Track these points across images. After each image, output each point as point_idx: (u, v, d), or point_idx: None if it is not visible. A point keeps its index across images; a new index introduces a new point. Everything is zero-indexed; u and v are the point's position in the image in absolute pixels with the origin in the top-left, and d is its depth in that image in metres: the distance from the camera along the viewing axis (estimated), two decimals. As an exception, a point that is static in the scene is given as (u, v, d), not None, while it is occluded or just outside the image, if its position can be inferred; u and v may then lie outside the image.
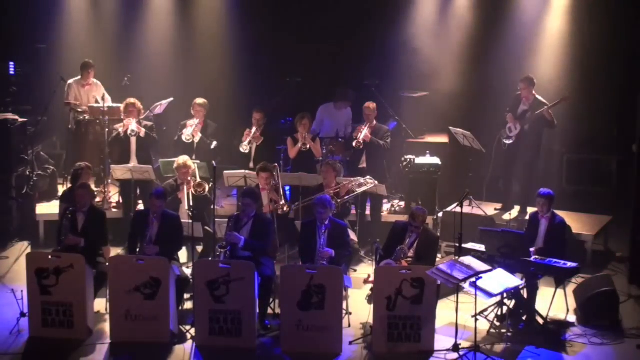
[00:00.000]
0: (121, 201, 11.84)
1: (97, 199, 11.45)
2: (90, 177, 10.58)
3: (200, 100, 12.05)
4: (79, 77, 12.55)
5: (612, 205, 12.20)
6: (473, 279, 8.51)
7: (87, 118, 12.25)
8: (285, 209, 10.45)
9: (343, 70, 13.66)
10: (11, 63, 13.37)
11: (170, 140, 12.28)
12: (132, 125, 11.49)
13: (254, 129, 11.81)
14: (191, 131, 11.84)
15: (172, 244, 9.43)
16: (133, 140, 11.58)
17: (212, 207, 10.42)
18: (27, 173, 11.98)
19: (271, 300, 9.40)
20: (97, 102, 12.10)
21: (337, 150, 12.15)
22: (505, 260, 9.30)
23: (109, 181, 12.02)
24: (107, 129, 11.86)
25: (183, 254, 10.22)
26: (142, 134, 11.58)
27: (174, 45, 13.86)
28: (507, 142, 11.77)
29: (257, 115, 11.88)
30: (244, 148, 11.74)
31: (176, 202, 10.47)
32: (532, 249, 9.54)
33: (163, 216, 9.46)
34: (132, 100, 11.69)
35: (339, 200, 10.54)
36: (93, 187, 10.68)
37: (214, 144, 11.91)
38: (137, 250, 9.38)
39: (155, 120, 12.23)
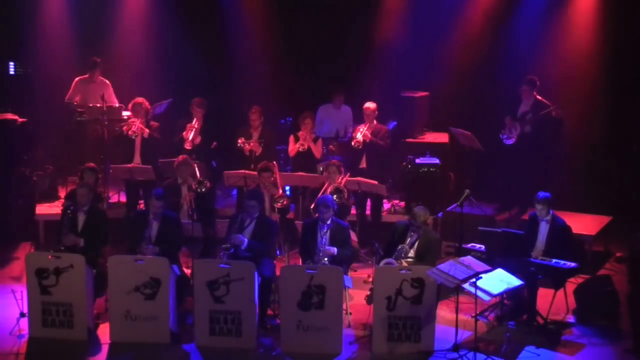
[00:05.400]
0: (123, 201, 11.84)
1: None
2: (94, 177, 10.55)
3: (197, 100, 12.02)
4: (87, 75, 12.51)
5: (612, 205, 12.19)
6: (473, 279, 8.51)
7: (87, 118, 12.23)
8: (284, 202, 10.47)
9: (343, 70, 13.65)
10: (11, 63, 13.35)
11: (170, 141, 12.23)
12: (134, 126, 11.47)
13: (253, 137, 11.73)
14: (192, 136, 11.74)
15: (172, 244, 9.42)
16: (138, 140, 11.56)
17: (213, 206, 10.42)
18: (27, 173, 11.97)
19: (271, 300, 9.40)
20: (103, 100, 12.05)
21: (337, 150, 12.16)
22: (505, 260, 9.30)
23: (109, 181, 12.01)
24: (106, 129, 11.85)
25: (182, 255, 10.20)
26: (146, 135, 11.57)
27: (174, 45, 13.84)
28: (508, 142, 11.76)
29: (253, 115, 11.86)
30: (241, 144, 11.69)
31: (177, 203, 10.45)
32: (533, 253, 9.55)
33: (163, 216, 9.46)
34: (139, 100, 11.68)
35: (344, 194, 10.56)
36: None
37: (214, 144, 11.89)
38: (137, 250, 9.36)
39: (154, 121, 12.21)
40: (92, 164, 10.75)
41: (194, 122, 11.89)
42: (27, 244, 11.46)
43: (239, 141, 11.65)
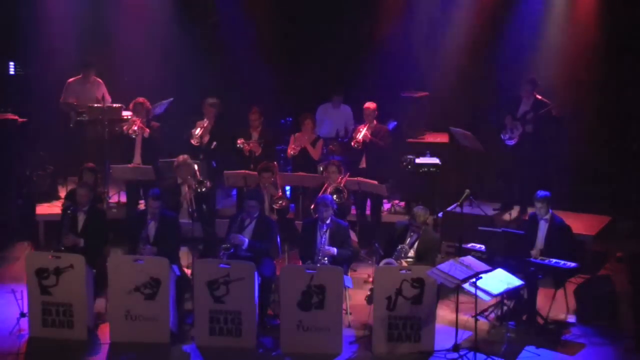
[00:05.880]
0: (124, 201, 11.83)
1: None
2: (93, 178, 10.56)
3: (210, 100, 11.90)
4: (80, 75, 12.49)
5: (612, 205, 12.19)
6: (473, 279, 8.51)
7: (87, 118, 12.22)
8: (283, 203, 10.46)
9: (343, 70, 13.65)
10: (11, 63, 13.35)
11: (173, 140, 12.19)
12: (134, 125, 11.43)
13: (252, 137, 11.71)
14: (199, 132, 11.73)
15: (171, 244, 9.41)
16: (139, 139, 11.53)
17: (213, 206, 10.39)
18: (27, 173, 11.97)
19: (271, 300, 9.39)
20: (98, 101, 12.05)
21: (337, 150, 12.15)
22: (505, 260, 9.30)
23: (109, 181, 12.00)
24: (106, 129, 11.84)
25: (183, 254, 10.20)
26: (146, 135, 11.54)
27: (175, 45, 13.84)
28: (510, 142, 11.76)
29: (253, 116, 11.82)
30: (241, 143, 11.65)
31: (177, 203, 10.45)
32: (532, 252, 9.55)
33: (161, 216, 9.45)
34: (140, 99, 11.63)
35: (344, 195, 10.56)
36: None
37: (214, 144, 11.87)
38: (136, 251, 9.36)
39: (155, 120, 12.19)
40: (91, 164, 10.75)
41: (204, 121, 11.85)
42: (26, 244, 11.45)
43: (238, 142, 11.61)
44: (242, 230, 9.40)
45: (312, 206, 10.20)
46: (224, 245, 9.25)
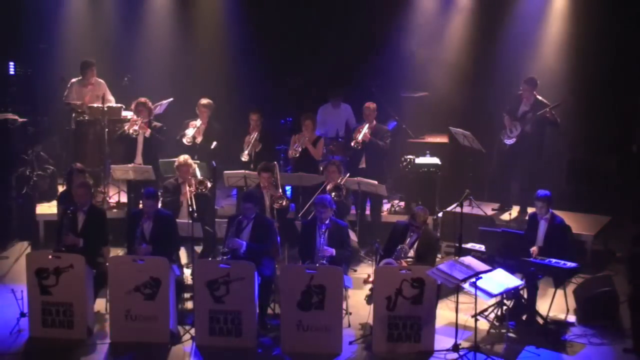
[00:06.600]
0: (123, 201, 11.84)
1: (98, 199, 11.45)
2: (82, 178, 10.53)
3: (204, 101, 11.91)
4: (81, 76, 12.49)
5: (612, 205, 12.20)
6: (473, 279, 8.51)
7: (87, 118, 12.22)
8: (284, 203, 10.47)
9: (343, 70, 13.65)
10: (11, 63, 13.35)
11: (172, 140, 12.21)
12: (135, 125, 11.42)
13: (253, 135, 11.71)
14: (193, 132, 11.75)
15: (167, 243, 9.40)
16: (140, 139, 11.52)
17: (213, 206, 10.37)
18: (27, 173, 11.97)
19: (271, 300, 9.40)
20: (102, 102, 12.04)
21: (337, 150, 12.15)
22: (505, 260, 9.31)
23: (109, 181, 12.01)
24: (107, 129, 11.84)
25: (183, 254, 10.20)
26: (147, 134, 11.53)
27: (174, 45, 13.85)
28: (508, 142, 11.77)
29: (254, 116, 11.82)
30: (245, 158, 11.65)
31: (177, 203, 10.44)
32: (532, 249, 9.56)
33: (156, 216, 9.44)
34: (142, 99, 11.61)
35: (342, 192, 10.56)
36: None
37: (214, 144, 11.88)
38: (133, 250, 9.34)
39: (155, 120, 12.19)
40: (79, 165, 10.72)
41: (197, 121, 11.85)
42: (26, 243, 11.45)
43: (243, 157, 11.62)
44: (240, 232, 9.38)
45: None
46: (222, 250, 9.24)
